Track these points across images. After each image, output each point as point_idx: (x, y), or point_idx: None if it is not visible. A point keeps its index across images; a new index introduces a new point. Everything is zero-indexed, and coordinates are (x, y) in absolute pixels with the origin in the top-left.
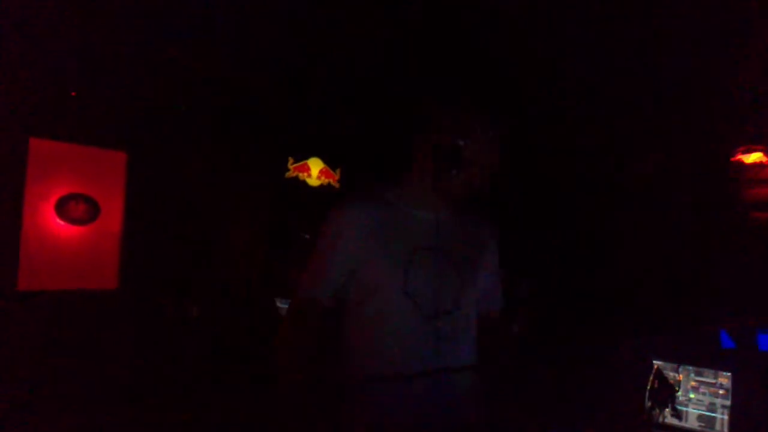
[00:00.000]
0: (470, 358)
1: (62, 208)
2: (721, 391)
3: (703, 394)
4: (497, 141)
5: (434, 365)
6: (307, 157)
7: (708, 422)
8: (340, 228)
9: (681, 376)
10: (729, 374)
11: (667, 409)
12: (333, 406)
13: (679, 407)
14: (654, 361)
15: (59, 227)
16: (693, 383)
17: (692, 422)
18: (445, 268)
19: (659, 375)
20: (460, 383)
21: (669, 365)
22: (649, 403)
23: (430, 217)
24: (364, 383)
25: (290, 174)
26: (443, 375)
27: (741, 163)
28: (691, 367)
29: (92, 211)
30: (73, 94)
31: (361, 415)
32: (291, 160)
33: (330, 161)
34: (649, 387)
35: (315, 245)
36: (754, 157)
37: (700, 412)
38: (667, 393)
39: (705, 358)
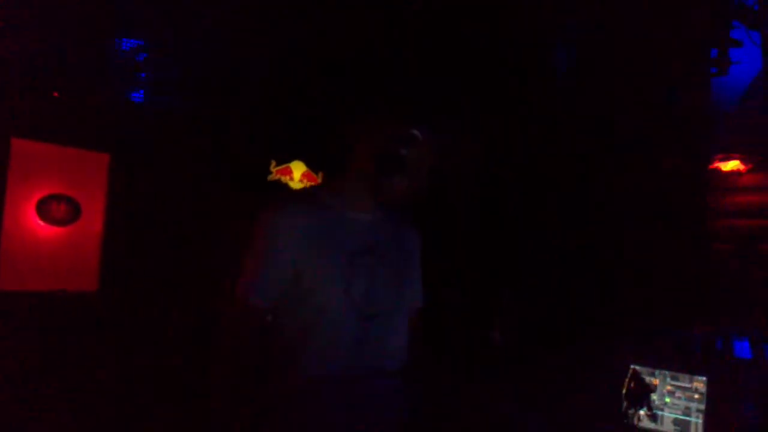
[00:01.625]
0: (402, 357)
1: (43, 208)
2: (696, 396)
3: (679, 398)
4: (435, 148)
5: (371, 365)
6: (289, 160)
7: (683, 426)
8: (278, 231)
9: (657, 380)
10: (704, 379)
11: (642, 410)
12: (267, 413)
13: (655, 411)
14: (631, 365)
15: (40, 228)
16: (669, 387)
17: (668, 426)
18: (381, 269)
19: (635, 376)
20: (394, 383)
21: (646, 369)
22: (625, 404)
23: (366, 219)
24: (300, 388)
25: (272, 177)
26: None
27: (718, 171)
28: (667, 372)
29: (73, 211)
30: (55, 94)
31: (297, 418)
32: (273, 163)
33: (312, 164)
34: (625, 389)
35: (250, 248)
36: (731, 165)
37: (676, 416)
38: (642, 393)
39: (681, 363)
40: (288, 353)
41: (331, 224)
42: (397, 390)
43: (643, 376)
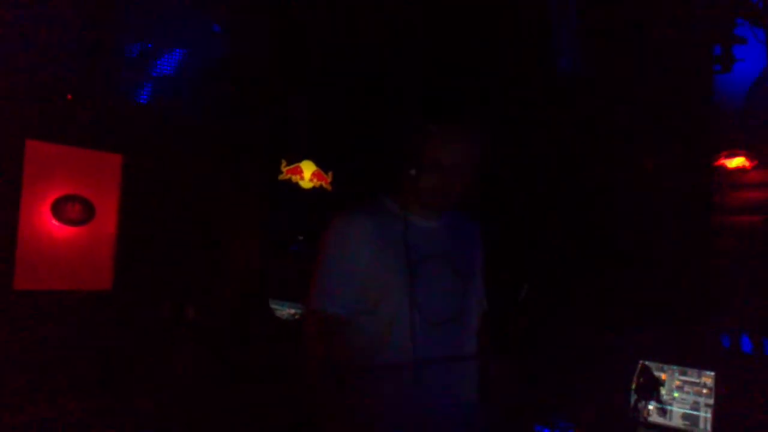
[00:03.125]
0: (473, 363)
1: (58, 209)
2: (704, 391)
3: (687, 393)
4: (475, 148)
5: (440, 372)
6: (299, 160)
7: (692, 420)
8: (348, 240)
9: (666, 375)
10: (712, 374)
11: (651, 405)
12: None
13: (664, 405)
14: (640, 361)
15: (55, 228)
16: (678, 382)
17: (677, 420)
18: (448, 275)
19: (644, 372)
20: (463, 377)
21: (654, 364)
22: (635, 397)
23: (429, 225)
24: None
25: (283, 176)
26: (448, 367)
27: (724, 168)
28: (675, 367)
29: (87, 212)
30: (69, 97)
31: (369, 402)
32: (284, 163)
33: (322, 164)
34: (634, 384)
35: (321, 256)
36: (736, 162)
37: (685, 410)
38: (651, 388)
39: (689, 358)
40: (361, 362)
41: (396, 232)
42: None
43: (653, 371)
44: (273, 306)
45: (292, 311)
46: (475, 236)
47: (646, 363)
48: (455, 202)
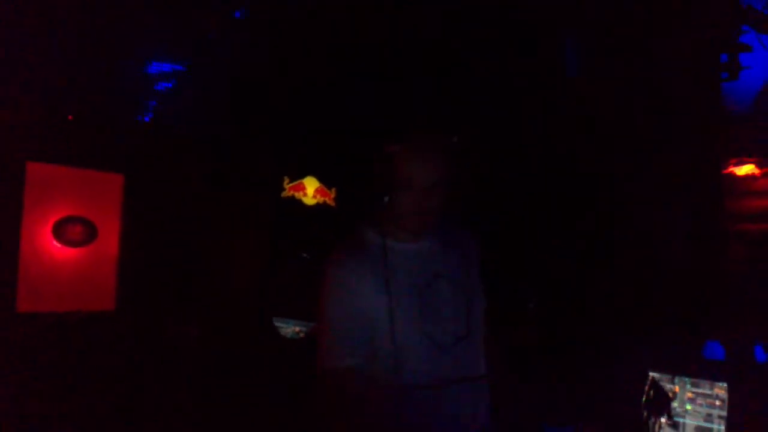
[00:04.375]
0: (482, 371)
1: (59, 230)
2: (717, 402)
3: (700, 405)
4: (445, 161)
5: (454, 392)
6: (302, 176)
7: None
8: (344, 287)
9: (677, 387)
10: (725, 385)
11: (663, 419)
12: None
13: (676, 418)
14: (650, 373)
15: (57, 249)
16: (689, 394)
17: None
18: (450, 293)
19: (655, 385)
20: (474, 393)
21: (665, 377)
22: (645, 413)
23: (418, 247)
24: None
25: (286, 193)
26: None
27: (733, 176)
28: (687, 379)
29: (89, 233)
30: (69, 117)
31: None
32: (287, 180)
33: (325, 180)
34: (644, 398)
35: (322, 310)
36: (745, 170)
37: (697, 423)
38: (662, 402)
39: (701, 370)
40: (373, 395)
41: (388, 261)
42: (482, 394)
43: (662, 384)
44: (277, 324)
45: (297, 329)
46: (470, 246)
47: (656, 376)
48: (436, 220)
